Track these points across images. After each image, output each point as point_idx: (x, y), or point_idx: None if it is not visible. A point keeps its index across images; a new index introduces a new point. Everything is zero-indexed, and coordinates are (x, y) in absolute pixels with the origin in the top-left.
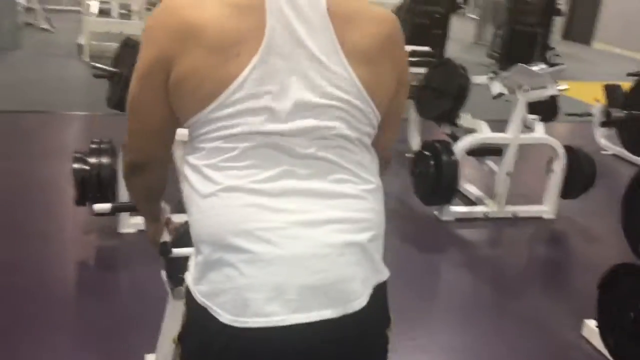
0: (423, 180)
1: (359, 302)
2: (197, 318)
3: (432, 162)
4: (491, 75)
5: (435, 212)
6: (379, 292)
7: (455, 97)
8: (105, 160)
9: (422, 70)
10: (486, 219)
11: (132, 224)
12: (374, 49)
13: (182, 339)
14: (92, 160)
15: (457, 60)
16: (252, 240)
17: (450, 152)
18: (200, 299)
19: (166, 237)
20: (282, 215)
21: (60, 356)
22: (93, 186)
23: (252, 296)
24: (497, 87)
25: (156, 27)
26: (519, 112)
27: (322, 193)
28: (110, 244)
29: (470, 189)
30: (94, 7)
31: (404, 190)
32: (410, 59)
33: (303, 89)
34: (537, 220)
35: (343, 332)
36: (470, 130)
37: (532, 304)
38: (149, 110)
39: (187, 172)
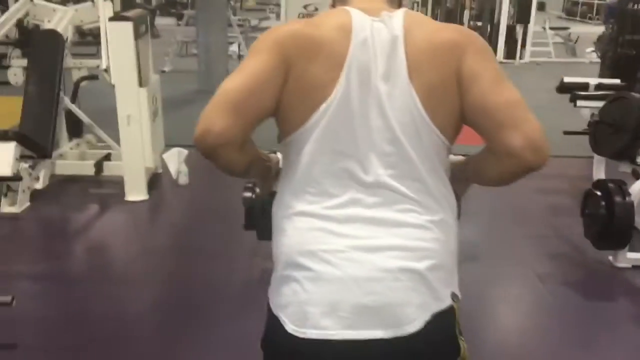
0: (593, 222)
1: (412, 326)
2: (272, 326)
3: (603, 203)
4: None
5: (610, 258)
6: (441, 320)
7: (634, 132)
8: None
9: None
10: None
11: None
12: (423, 64)
13: (262, 344)
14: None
15: None
16: (315, 261)
17: (625, 193)
18: (274, 309)
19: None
20: (345, 240)
21: None
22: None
23: (311, 310)
24: None
25: (283, 36)
26: None
27: (386, 221)
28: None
29: None
30: None
31: (579, 233)
32: (595, 92)
33: (374, 117)
34: None
35: (394, 353)
36: None
37: None
38: (262, 92)
39: (277, 192)
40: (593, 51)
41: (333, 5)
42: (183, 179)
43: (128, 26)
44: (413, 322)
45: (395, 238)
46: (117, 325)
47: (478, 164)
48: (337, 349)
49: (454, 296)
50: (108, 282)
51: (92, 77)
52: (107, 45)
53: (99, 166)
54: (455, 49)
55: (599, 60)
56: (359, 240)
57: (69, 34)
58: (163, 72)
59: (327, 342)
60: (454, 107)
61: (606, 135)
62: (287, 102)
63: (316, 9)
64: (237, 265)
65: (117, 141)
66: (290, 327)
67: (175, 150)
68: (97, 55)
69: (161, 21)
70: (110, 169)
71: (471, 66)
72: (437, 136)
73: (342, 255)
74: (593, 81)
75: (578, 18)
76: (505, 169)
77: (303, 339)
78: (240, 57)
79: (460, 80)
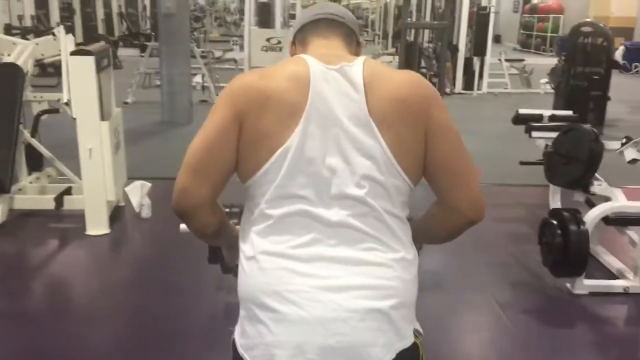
0: (550, 250)
1: None
2: None
3: (559, 232)
4: (624, 140)
5: (568, 285)
6: (406, 358)
7: (587, 163)
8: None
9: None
10: (626, 294)
11: None
12: (391, 114)
13: None
14: None
15: (622, 121)
16: (280, 301)
17: (580, 221)
18: (240, 350)
19: None
20: (309, 280)
21: None
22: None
23: (277, 352)
24: (630, 153)
25: (235, 91)
26: None
27: (349, 260)
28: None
29: (610, 260)
30: None
31: (537, 260)
32: (549, 123)
33: (336, 159)
34: None
35: None
36: (607, 198)
37: None
38: (220, 153)
39: (240, 234)
40: (547, 82)
41: (292, 45)
42: (146, 212)
43: (90, 60)
44: None
45: (359, 277)
46: None
47: (426, 223)
48: None
49: (416, 332)
50: (68, 320)
51: (53, 111)
52: (69, 79)
53: (59, 200)
54: (422, 104)
55: (552, 91)
56: (323, 280)
57: (29, 67)
58: (126, 103)
59: None
60: (420, 156)
61: (560, 165)
62: (242, 152)
63: (279, 42)
64: (201, 300)
65: (78, 174)
66: None
67: (137, 183)
68: (57, 87)
69: (124, 52)
70: (71, 202)
71: (439, 123)
72: (403, 179)
73: (307, 296)
74: (546, 112)
75: (532, 50)
76: (451, 224)
77: None
78: (203, 88)
79: (428, 135)
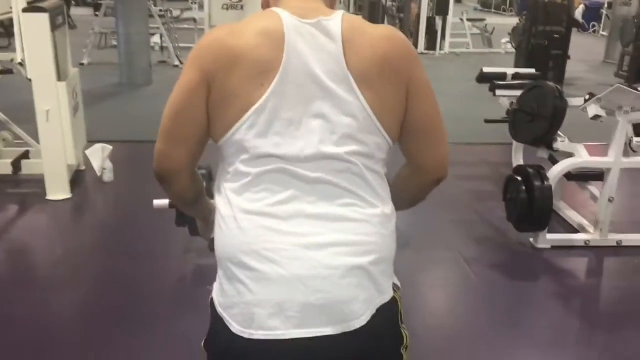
0: (514, 206)
1: (359, 321)
2: (216, 327)
3: (523, 187)
4: (587, 96)
5: (531, 239)
6: (385, 312)
7: (551, 120)
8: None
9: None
10: (586, 247)
11: None
12: (372, 73)
13: (205, 345)
14: None
15: (580, 79)
16: (259, 260)
17: (543, 177)
18: (218, 309)
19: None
20: (288, 238)
21: None
22: None
23: (257, 311)
24: (593, 109)
25: (202, 51)
26: (620, 134)
27: (328, 216)
28: (205, 262)
29: (571, 215)
30: None
31: (501, 216)
32: (513, 81)
33: (313, 117)
34: None
35: (343, 349)
36: (569, 154)
37: (626, 340)
38: (190, 116)
39: (216, 193)
40: (508, 42)
41: (266, 3)
42: (107, 176)
43: (44, 17)
44: (359, 317)
45: (338, 233)
46: (43, 331)
47: (395, 187)
48: (284, 348)
49: (395, 287)
50: (31, 286)
51: (6, 71)
52: (22, 38)
53: (16, 164)
54: (404, 62)
55: (514, 50)
56: (302, 237)
57: None
58: (82, 64)
59: (274, 342)
60: (400, 114)
61: (524, 122)
62: (212, 112)
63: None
64: (169, 263)
65: (36, 138)
66: (236, 328)
67: (98, 145)
68: (9, 47)
69: (77, 11)
70: (29, 167)
71: (419, 84)
72: (383, 137)
73: (286, 254)
74: (510, 71)
75: (493, 10)
76: (417, 183)
77: (250, 340)
78: (162, 48)
79: (409, 94)
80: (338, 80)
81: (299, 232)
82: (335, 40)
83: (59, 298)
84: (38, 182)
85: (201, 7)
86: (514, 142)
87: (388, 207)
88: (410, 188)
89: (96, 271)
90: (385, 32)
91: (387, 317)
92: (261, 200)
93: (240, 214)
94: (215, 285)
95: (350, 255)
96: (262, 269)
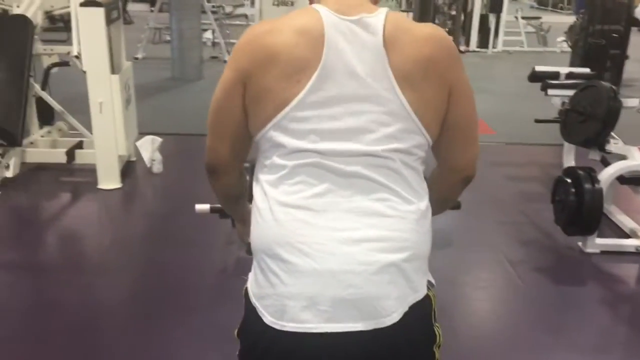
0: (563, 208)
1: (391, 318)
2: (249, 316)
3: (572, 190)
4: None
5: (579, 243)
6: (418, 310)
7: (604, 121)
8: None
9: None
10: (638, 254)
11: None
12: (415, 74)
13: (239, 334)
14: None
15: (636, 81)
16: (293, 252)
17: (594, 180)
18: (252, 299)
19: None
20: (324, 232)
21: (191, 352)
22: None
23: (289, 303)
24: None
25: (240, 49)
26: None
27: (363, 211)
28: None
29: (622, 220)
30: None
31: (549, 219)
32: (566, 81)
33: (352, 115)
34: None
35: (375, 345)
36: (622, 157)
37: None
38: (228, 114)
39: (254, 185)
40: (564, 41)
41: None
42: (157, 167)
43: (99, 12)
44: (392, 314)
45: (373, 229)
46: (89, 315)
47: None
48: (315, 341)
49: (429, 284)
50: (80, 272)
51: (63, 64)
52: (78, 31)
53: (70, 154)
54: (447, 63)
55: (569, 49)
56: (337, 232)
57: (38, 20)
58: (136, 59)
59: (305, 335)
60: (442, 114)
61: (576, 123)
62: (249, 108)
63: None
64: (212, 254)
65: (89, 129)
66: (268, 319)
67: (148, 137)
68: (68, 41)
69: (134, 7)
70: (82, 157)
71: (461, 85)
72: (424, 135)
73: (320, 247)
74: (564, 70)
75: (550, 8)
76: (448, 184)
77: (281, 331)
78: (214, 44)
79: (451, 96)
80: (379, 79)
81: (334, 227)
82: (377, 37)
83: (105, 284)
84: (90, 171)
85: (253, 3)
86: (565, 143)
87: (424, 203)
88: (439, 187)
89: (142, 259)
90: (430, 32)
91: (420, 315)
92: (297, 193)
93: (276, 206)
94: (250, 276)
95: (384, 251)
96: (295, 262)
